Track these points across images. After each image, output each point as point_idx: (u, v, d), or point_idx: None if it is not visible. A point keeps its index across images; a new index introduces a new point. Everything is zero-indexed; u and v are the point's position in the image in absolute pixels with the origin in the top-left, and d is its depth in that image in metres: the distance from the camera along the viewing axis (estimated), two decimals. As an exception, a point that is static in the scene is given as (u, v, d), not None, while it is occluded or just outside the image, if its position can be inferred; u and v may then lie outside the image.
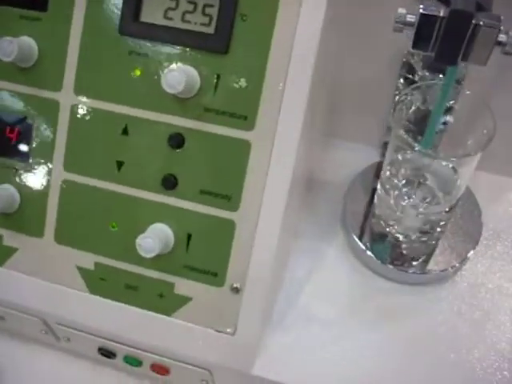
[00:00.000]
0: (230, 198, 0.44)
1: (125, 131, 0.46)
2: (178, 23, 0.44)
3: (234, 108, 0.43)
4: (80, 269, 0.48)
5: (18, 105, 0.47)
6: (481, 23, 0.37)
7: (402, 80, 0.50)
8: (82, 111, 0.46)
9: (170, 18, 0.44)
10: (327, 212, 0.55)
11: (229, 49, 0.43)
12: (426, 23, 0.37)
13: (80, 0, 0.45)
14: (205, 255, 0.46)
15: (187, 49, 0.43)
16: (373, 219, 0.52)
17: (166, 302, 0.47)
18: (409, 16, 0.38)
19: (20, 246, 0.49)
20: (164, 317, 0.47)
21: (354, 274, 0.51)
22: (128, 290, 0.47)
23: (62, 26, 0.45)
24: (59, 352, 0.57)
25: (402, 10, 0.38)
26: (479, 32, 0.37)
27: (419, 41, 0.38)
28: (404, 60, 0.49)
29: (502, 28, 0.37)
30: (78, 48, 0.45)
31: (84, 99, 0.46)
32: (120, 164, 0.46)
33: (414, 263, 0.50)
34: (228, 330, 0.46)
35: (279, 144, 0.43)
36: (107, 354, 0.52)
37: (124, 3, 0.44)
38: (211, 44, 0.43)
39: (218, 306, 0.46)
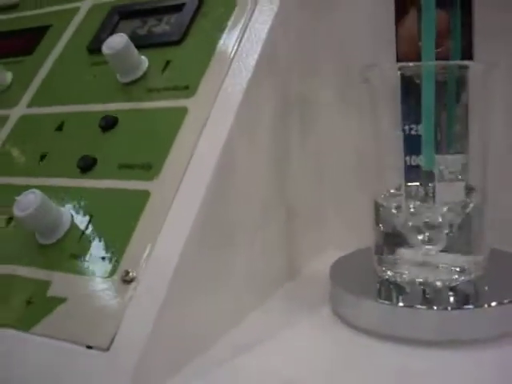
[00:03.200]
0: (150, 166, 0.34)
1: (59, 127, 0.40)
2: (142, 34, 0.42)
3: (176, 82, 0.38)
4: None
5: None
6: None
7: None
8: (26, 119, 0.42)
9: (137, 33, 0.43)
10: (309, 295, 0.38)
11: (182, 40, 0.40)
12: None
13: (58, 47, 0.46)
14: (101, 238, 0.32)
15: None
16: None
17: (31, 310, 0.31)
18: None
19: None
20: (21, 334, 0.31)
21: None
22: (-8, 301, 0.33)
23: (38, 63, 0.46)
24: None
25: None
26: None
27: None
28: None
29: None
30: (47, 71, 0.44)
31: (32, 110, 0.42)
32: (42, 156, 0.39)
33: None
34: (101, 344, 0.29)
35: (217, 109, 0.35)
36: None
37: (97, 33, 0.44)
38: (166, 37, 0.40)
39: (96, 307, 0.30)
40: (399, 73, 0.35)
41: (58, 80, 0.43)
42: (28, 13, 0.51)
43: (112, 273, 0.31)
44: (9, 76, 0.46)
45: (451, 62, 0.37)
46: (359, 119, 0.41)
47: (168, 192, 0.33)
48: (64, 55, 0.45)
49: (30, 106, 0.43)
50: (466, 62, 0.36)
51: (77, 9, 0.48)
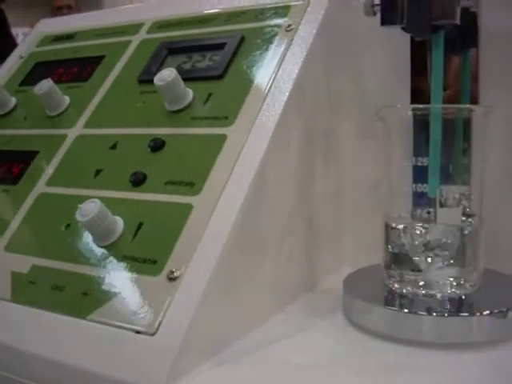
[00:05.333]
0: (193, 183, 0.40)
1: (113, 146, 0.46)
2: (187, 68, 0.48)
3: (217, 112, 0.43)
4: (13, 274, 0.41)
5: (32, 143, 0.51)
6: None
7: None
8: (82, 139, 0.48)
9: (182, 67, 0.49)
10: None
11: (223, 75, 0.46)
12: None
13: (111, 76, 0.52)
14: (150, 242, 0.38)
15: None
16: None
17: (87, 300, 0.37)
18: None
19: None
20: (78, 320, 0.36)
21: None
22: (54, 292, 0.39)
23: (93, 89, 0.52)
24: None
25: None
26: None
27: (386, 14, 0.39)
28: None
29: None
30: (101, 97, 0.51)
31: (88, 130, 0.48)
32: (98, 171, 0.45)
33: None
34: (148, 330, 0.34)
35: (252, 137, 0.41)
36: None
37: (147, 66, 0.50)
38: (209, 72, 0.46)
39: (144, 300, 0.35)
40: (410, 113, 0.41)
41: (111, 105, 0.50)
42: (83, 43, 0.58)
43: (159, 272, 0.36)
44: (66, 99, 0.52)
45: (455, 106, 0.42)
46: (375, 151, 0.47)
47: (208, 206, 0.38)
48: (116, 83, 0.51)
49: (86, 126, 0.49)
50: (468, 106, 0.42)
51: (128, 42, 0.54)
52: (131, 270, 0.37)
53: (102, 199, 0.40)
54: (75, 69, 0.56)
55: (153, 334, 0.34)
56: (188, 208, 0.39)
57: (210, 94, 0.45)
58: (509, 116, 0.45)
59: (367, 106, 0.48)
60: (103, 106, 0.50)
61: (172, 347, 0.33)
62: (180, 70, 0.45)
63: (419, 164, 0.39)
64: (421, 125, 0.41)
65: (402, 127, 0.41)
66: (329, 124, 0.47)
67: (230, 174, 0.39)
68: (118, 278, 0.37)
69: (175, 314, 0.34)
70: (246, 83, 0.44)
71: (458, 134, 0.42)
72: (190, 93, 0.45)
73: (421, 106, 0.41)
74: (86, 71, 0.54)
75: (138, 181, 0.42)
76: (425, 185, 0.39)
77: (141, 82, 0.49)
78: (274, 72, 0.44)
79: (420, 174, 0.40)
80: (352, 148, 0.49)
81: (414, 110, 0.41)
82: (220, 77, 0.46)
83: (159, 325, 0.34)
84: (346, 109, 0.48)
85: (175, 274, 0.36)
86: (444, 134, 0.40)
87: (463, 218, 0.39)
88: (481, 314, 0.36)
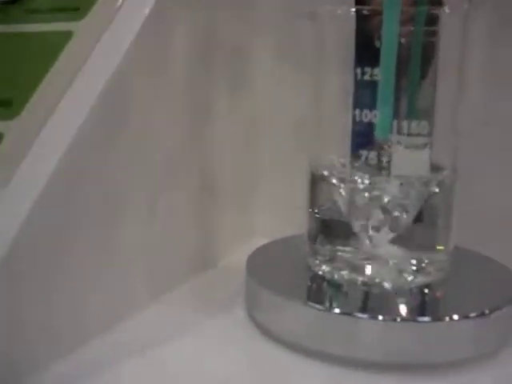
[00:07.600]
0: (10, 103, 0.25)
1: None
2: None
3: (65, 3, 0.29)
4: None
5: None
6: None
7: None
8: None
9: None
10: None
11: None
12: None
13: None
14: None
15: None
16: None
17: None
18: None
19: None
20: None
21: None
22: None
23: None
24: None
25: None
26: None
27: None
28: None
29: None
30: None
31: None
32: None
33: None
34: None
35: (110, 36, 0.26)
36: None
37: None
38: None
39: None
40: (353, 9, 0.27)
41: None
42: None
43: None
44: None
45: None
46: (302, 74, 0.32)
47: (27, 136, 0.24)
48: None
49: None
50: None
51: None
52: None
53: None
54: None
55: None
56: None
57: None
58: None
59: (290, 8, 0.34)
60: None
61: None
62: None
63: (365, 78, 0.25)
64: (367, 26, 0.27)
65: (342, 28, 0.27)
66: (235, 36, 0.33)
67: (68, 88, 0.25)
68: None
69: None
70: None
71: (419, 40, 0.28)
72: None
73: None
74: None
75: None
76: (373, 112, 0.25)
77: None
78: None
79: (364, 97, 0.26)
80: (270, 71, 0.35)
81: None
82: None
83: None
84: (262, 13, 0.34)
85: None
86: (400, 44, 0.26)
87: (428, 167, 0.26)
88: (450, 318, 0.23)
